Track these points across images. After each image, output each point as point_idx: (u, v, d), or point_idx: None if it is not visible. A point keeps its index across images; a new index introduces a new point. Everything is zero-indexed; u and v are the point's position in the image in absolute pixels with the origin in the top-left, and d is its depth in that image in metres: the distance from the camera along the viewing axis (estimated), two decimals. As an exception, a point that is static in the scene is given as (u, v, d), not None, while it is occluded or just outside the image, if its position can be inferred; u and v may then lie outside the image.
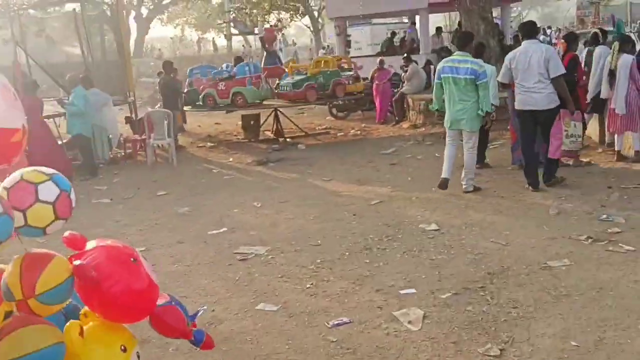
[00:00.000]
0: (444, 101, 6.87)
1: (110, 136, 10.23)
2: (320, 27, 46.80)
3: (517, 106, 6.83)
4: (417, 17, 19.24)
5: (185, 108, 12.53)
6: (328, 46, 33.95)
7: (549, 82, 6.45)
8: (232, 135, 13.63)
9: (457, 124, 6.80)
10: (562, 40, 9.08)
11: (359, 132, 12.78)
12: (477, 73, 6.49)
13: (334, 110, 15.21)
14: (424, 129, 11.88)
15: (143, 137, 10.61)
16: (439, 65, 6.93)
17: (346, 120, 14.74)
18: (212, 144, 12.31)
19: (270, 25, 16.26)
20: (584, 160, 8.06)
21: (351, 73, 12.49)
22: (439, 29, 18.45)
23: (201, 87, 11.77)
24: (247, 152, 11.29)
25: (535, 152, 6.89)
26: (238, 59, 14.37)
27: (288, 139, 12.14)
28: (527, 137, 6.85)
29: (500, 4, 18.97)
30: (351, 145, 11.23)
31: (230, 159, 10.58)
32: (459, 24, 19.01)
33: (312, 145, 11.73)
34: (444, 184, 6.99)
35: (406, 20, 25.92)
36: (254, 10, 18.48)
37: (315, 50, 39.61)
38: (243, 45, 45.14)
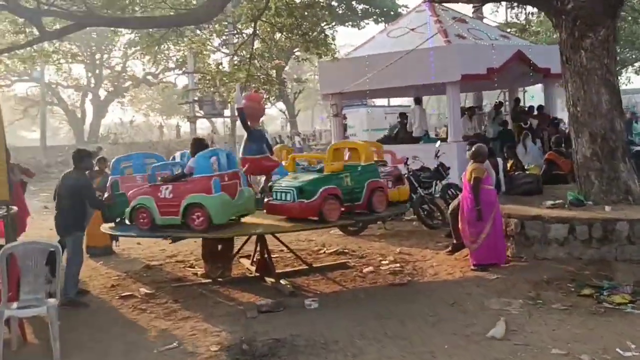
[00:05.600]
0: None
1: None
2: (296, 113, 43.01)
3: None
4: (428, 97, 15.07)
5: (105, 227, 7.27)
6: (314, 134, 29.61)
7: None
8: (186, 266, 8.35)
9: None
10: None
11: (398, 265, 7.68)
12: None
13: (343, 221, 10.15)
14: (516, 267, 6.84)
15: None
16: None
17: (364, 238, 9.69)
18: (147, 291, 6.98)
19: (256, 90, 11.35)
20: None
21: (389, 169, 7.54)
22: (471, 109, 13.98)
23: (131, 191, 6.62)
24: (209, 313, 6.03)
25: None
26: (199, 144, 8.68)
27: (283, 281, 6.93)
28: None
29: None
30: (405, 301, 6.06)
31: (175, 343, 5.25)
32: (517, 100, 14.73)
33: (328, 295, 6.56)
34: None
35: (408, 103, 21.83)
36: (230, 83, 13.66)
37: (291, 137, 35.29)
38: (212, 131, 40.74)
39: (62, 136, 57.80)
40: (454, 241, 8.06)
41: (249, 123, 7.53)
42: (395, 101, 24.85)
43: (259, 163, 7.31)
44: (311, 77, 47.70)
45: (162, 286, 7.24)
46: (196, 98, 23.93)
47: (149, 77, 43.13)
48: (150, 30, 14.24)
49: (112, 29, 22.16)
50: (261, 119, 8.19)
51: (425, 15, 14.61)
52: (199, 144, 6.97)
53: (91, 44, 39.54)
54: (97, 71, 43.38)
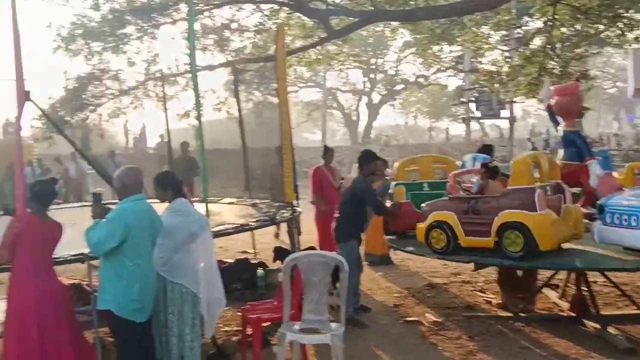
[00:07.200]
0: None
1: (203, 312, 4.34)
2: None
3: None
4: None
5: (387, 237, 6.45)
6: (601, 138, 25.66)
7: None
8: (475, 290, 7.10)
9: None
10: None
11: None
12: None
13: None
14: None
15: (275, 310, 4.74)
16: None
17: None
18: (435, 319, 5.93)
19: (577, 78, 9.53)
20: None
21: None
22: None
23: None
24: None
25: None
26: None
27: (612, 330, 5.21)
28: None
29: None
30: None
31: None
32: None
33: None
34: None
35: None
36: (518, 78, 12.05)
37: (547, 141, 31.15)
38: (483, 135, 38.74)
39: (339, 138, 61.89)
40: None
41: (564, 121, 6.02)
42: None
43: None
44: (595, 73, 42.18)
45: (450, 313, 6.13)
46: (472, 98, 22.50)
47: (420, 80, 43.17)
48: (432, 24, 13.37)
49: (391, 29, 22.19)
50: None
51: None
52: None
53: (367, 49, 41.10)
54: (372, 75, 45.02)
